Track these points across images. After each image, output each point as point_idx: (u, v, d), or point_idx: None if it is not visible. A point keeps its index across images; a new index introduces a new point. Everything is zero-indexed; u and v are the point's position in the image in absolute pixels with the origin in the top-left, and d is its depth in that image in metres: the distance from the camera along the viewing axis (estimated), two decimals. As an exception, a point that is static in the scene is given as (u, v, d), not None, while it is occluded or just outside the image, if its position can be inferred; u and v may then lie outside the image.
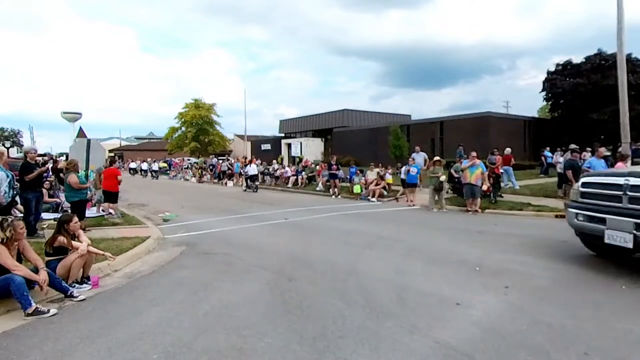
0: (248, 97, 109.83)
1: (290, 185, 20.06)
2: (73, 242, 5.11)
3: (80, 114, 45.20)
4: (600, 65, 26.39)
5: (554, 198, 12.23)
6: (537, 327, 3.61)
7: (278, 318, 3.93)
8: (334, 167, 16.43)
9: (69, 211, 7.95)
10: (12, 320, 4.00)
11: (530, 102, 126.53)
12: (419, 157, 15.41)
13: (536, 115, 38.86)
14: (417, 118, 38.65)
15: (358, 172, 16.54)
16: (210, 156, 38.80)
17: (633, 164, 7.49)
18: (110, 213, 10.38)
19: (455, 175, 12.51)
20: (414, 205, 12.91)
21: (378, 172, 15.47)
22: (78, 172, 8.55)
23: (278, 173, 21.84)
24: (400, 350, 3.23)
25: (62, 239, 5.02)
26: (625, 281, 4.80)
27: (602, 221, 5.18)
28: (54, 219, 7.05)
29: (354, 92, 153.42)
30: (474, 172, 11.09)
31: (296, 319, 3.88)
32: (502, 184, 13.66)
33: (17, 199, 7.86)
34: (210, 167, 28.97)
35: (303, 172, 20.46)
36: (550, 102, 30.49)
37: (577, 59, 28.59)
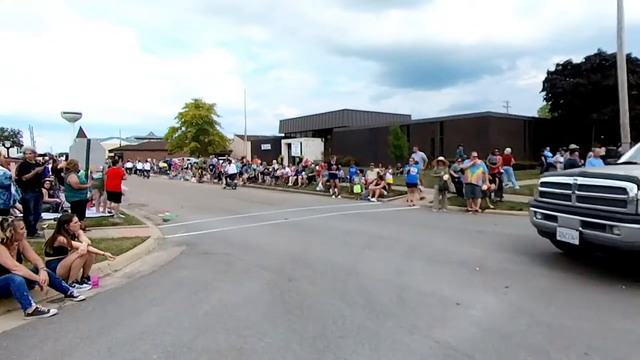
0: (248, 97, 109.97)
1: (290, 185, 20.08)
2: (73, 242, 5.11)
3: (80, 114, 45.14)
4: (600, 65, 26.40)
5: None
6: (537, 327, 3.61)
7: (278, 318, 3.93)
8: (334, 167, 16.43)
9: (69, 211, 7.95)
10: (12, 320, 4.00)
11: (530, 102, 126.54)
12: (417, 157, 15.43)
13: (536, 115, 38.86)
14: (417, 118, 38.70)
15: (358, 172, 16.54)
16: (210, 156, 38.81)
17: (606, 164, 7.82)
18: (110, 212, 10.39)
19: (455, 176, 12.51)
20: (414, 205, 12.91)
21: (378, 172, 15.47)
22: (78, 172, 8.56)
23: (278, 173, 21.85)
24: (400, 350, 3.23)
25: (62, 239, 5.02)
26: (625, 281, 4.80)
27: (555, 219, 5.37)
28: (54, 219, 7.05)
29: (354, 92, 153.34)
30: (475, 172, 11.09)
31: (296, 319, 3.88)
32: (502, 184, 13.67)
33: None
34: (210, 167, 28.97)
35: (303, 172, 20.47)
36: (550, 102, 30.51)
37: (577, 59, 28.64)
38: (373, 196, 14.62)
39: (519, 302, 4.27)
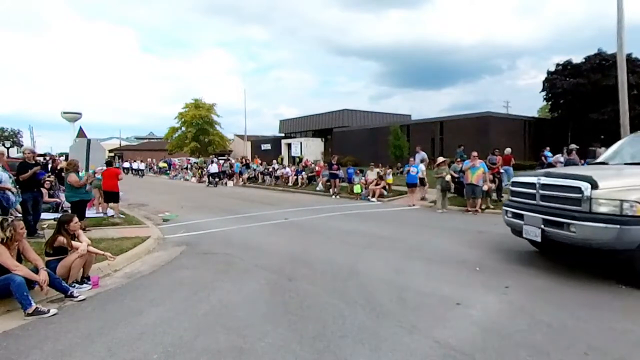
0: (248, 97, 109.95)
1: (290, 185, 20.08)
2: (73, 242, 5.11)
3: (80, 114, 45.20)
4: (600, 65, 26.40)
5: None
6: (537, 327, 3.61)
7: (278, 318, 3.93)
8: (335, 167, 16.43)
9: (69, 211, 7.96)
10: (12, 320, 4.00)
11: (530, 102, 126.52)
12: (417, 157, 15.44)
13: (536, 115, 38.86)
14: (417, 118, 38.71)
15: (358, 172, 16.55)
16: (210, 156, 38.82)
17: (588, 163, 8.09)
18: (106, 214, 10.37)
19: (455, 176, 12.51)
20: (414, 205, 12.91)
21: (378, 172, 15.47)
22: (78, 173, 8.56)
23: (278, 173, 21.86)
24: (400, 350, 3.23)
25: (62, 239, 5.02)
26: (624, 281, 4.79)
27: (522, 217, 5.56)
28: (54, 219, 7.05)
29: (354, 92, 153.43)
30: (476, 172, 11.09)
31: (296, 319, 3.88)
32: (502, 184, 13.67)
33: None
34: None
35: (303, 172, 20.48)
36: (550, 102, 30.53)
37: (577, 59, 28.63)
38: (373, 196, 14.62)
39: (519, 302, 4.27)
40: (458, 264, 5.80)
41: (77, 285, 4.89)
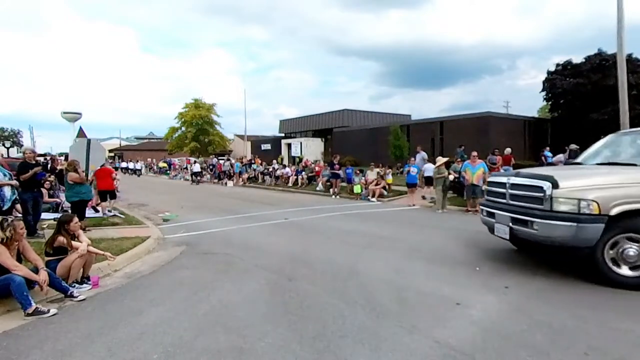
0: (248, 97, 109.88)
1: (290, 185, 20.08)
2: (73, 242, 5.11)
3: (80, 114, 45.28)
4: (600, 65, 26.36)
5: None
6: (537, 327, 3.61)
7: (278, 318, 3.93)
8: (337, 166, 16.42)
9: (69, 211, 7.96)
10: (12, 320, 4.00)
11: (530, 102, 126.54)
12: (418, 157, 15.46)
13: (536, 115, 38.84)
14: (417, 118, 38.68)
15: (357, 172, 16.55)
16: (211, 156, 38.83)
17: (566, 163, 8.23)
18: (106, 213, 10.40)
19: (455, 176, 12.50)
20: (414, 205, 12.91)
21: (378, 172, 15.47)
22: (78, 171, 8.55)
23: (278, 173, 21.86)
24: (400, 350, 3.23)
25: (62, 239, 5.02)
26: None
27: (494, 216, 5.76)
28: (54, 219, 7.04)
29: (354, 92, 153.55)
30: (476, 172, 11.09)
31: (296, 319, 3.88)
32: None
33: (17, 198, 7.86)
34: (210, 167, 29.00)
35: (303, 172, 20.48)
36: (550, 102, 30.48)
37: (577, 59, 28.58)
38: (373, 196, 14.62)
39: (519, 302, 4.26)
40: (458, 264, 5.80)
41: (77, 285, 4.89)
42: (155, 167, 41.00)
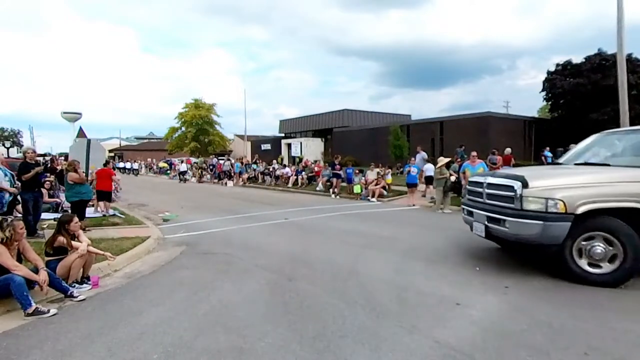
0: (248, 97, 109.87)
1: (290, 185, 20.08)
2: (73, 242, 5.11)
3: (80, 114, 45.36)
4: (600, 65, 26.37)
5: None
6: (537, 327, 3.61)
7: (278, 318, 3.93)
8: (337, 167, 16.42)
9: (69, 211, 7.97)
10: (12, 320, 4.00)
11: (530, 102, 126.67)
12: (418, 157, 15.46)
13: (536, 115, 38.84)
14: (417, 118, 38.69)
15: (357, 172, 16.54)
16: (210, 156, 38.83)
17: (550, 163, 8.47)
18: (106, 214, 10.44)
19: (456, 176, 12.47)
20: (414, 205, 12.90)
21: (378, 172, 15.47)
22: (77, 172, 8.56)
23: (278, 173, 21.87)
24: (400, 350, 3.23)
25: (62, 239, 5.02)
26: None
27: (472, 214, 5.92)
28: (54, 219, 7.05)
29: (354, 92, 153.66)
30: (475, 172, 11.06)
31: (296, 319, 3.88)
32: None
33: (18, 198, 7.87)
34: (210, 167, 29.01)
35: (303, 172, 20.48)
36: (550, 102, 30.50)
37: (577, 59, 28.61)
38: (373, 196, 14.61)
39: (519, 302, 4.26)
40: (458, 264, 5.80)
41: (77, 285, 4.89)
42: (155, 167, 41.04)
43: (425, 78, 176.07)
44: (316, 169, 20.41)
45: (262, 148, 45.81)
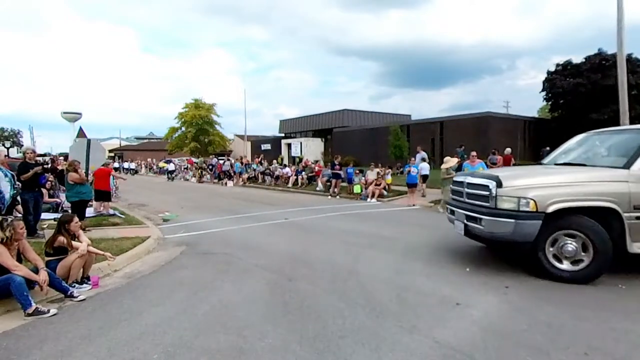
0: (248, 97, 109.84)
1: (290, 185, 20.07)
2: (73, 242, 5.11)
3: (80, 114, 45.34)
4: (600, 65, 26.39)
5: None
6: (537, 327, 3.61)
7: (278, 318, 3.93)
8: (337, 167, 16.42)
9: (69, 211, 7.96)
10: (12, 320, 4.00)
11: (530, 102, 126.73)
12: (417, 157, 15.46)
13: (536, 115, 38.86)
14: (417, 118, 38.70)
15: (357, 172, 16.54)
16: (210, 156, 38.82)
17: (535, 163, 8.71)
18: (104, 213, 10.44)
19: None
20: (414, 205, 12.90)
21: (378, 172, 15.46)
22: (77, 172, 8.57)
23: (277, 173, 21.86)
24: (400, 350, 3.23)
25: (62, 239, 5.02)
26: (624, 281, 4.80)
27: (454, 213, 6.09)
28: (54, 219, 7.05)
29: (354, 92, 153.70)
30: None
31: (296, 319, 3.88)
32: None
33: (18, 198, 7.87)
34: (210, 167, 29.01)
35: (303, 172, 20.48)
36: (550, 102, 30.52)
37: (577, 59, 28.66)
38: (373, 196, 14.60)
39: (519, 302, 4.27)
40: (458, 263, 5.80)
41: (77, 285, 4.89)
42: (155, 167, 41.08)
43: (425, 78, 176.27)
44: (317, 168, 20.39)
45: (262, 148, 45.83)
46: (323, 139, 41.65)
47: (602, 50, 27.03)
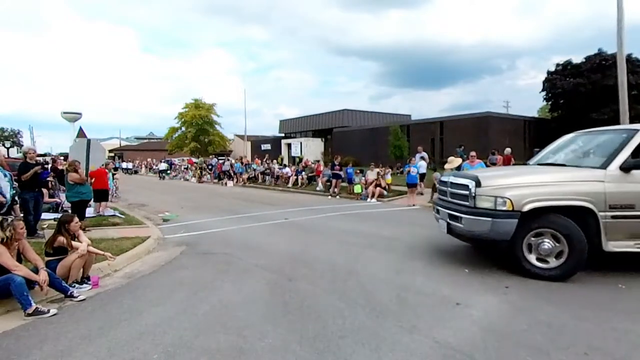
0: (248, 97, 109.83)
1: (290, 185, 20.07)
2: (73, 242, 5.11)
3: (80, 114, 45.17)
4: (600, 65, 26.39)
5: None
6: (537, 327, 3.61)
7: (278, 318, 3.93)
8: (337, 167, 16.42)
9: (69, 211, 7.96)
10: (12, 320, 4.00)
11: (530, 102, 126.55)
12: (418, 156, 15.47)
13: (536, 115, 38.86)
14: (417, 118, 38.69)
15: (357, 172, 16.54)
16: (210, 156, 38.82)
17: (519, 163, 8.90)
18: (102, 214, 10.46)
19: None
20: (414, 205, 12.90)
21: (378, 172, 15.46)
22: (77, 172, 8.57)
23: (278, 173, 21.87)
24: (400, 350, 3.23)
25: (62, 239, 5.02)
26: (624, 281, 4.80)
27: (439, 212, 6.21)
28: (54, 219, 7.05)
29: (354, 92, 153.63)
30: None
31: (296, 319, 3.88)
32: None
33: (17, 198, 7.86)
34: (210, 167, 29.01)
35: (303, 172, 20.47)
36: (550, 102, 30.54)
37: (577, 59, 28.66)
38: (373, 196, 14.61)
39: (519, 302, 4.26)
40: (458, 263, 5.80)
41: (77, 285, 4.89)
42: (155, 167, 41.05)
43: (425, 78, 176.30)
44: (320, 168, 20.37)
45: (262, 148, 45.82)
46: (323, 139, 41.64)
47: (602, 50, 27.05)
